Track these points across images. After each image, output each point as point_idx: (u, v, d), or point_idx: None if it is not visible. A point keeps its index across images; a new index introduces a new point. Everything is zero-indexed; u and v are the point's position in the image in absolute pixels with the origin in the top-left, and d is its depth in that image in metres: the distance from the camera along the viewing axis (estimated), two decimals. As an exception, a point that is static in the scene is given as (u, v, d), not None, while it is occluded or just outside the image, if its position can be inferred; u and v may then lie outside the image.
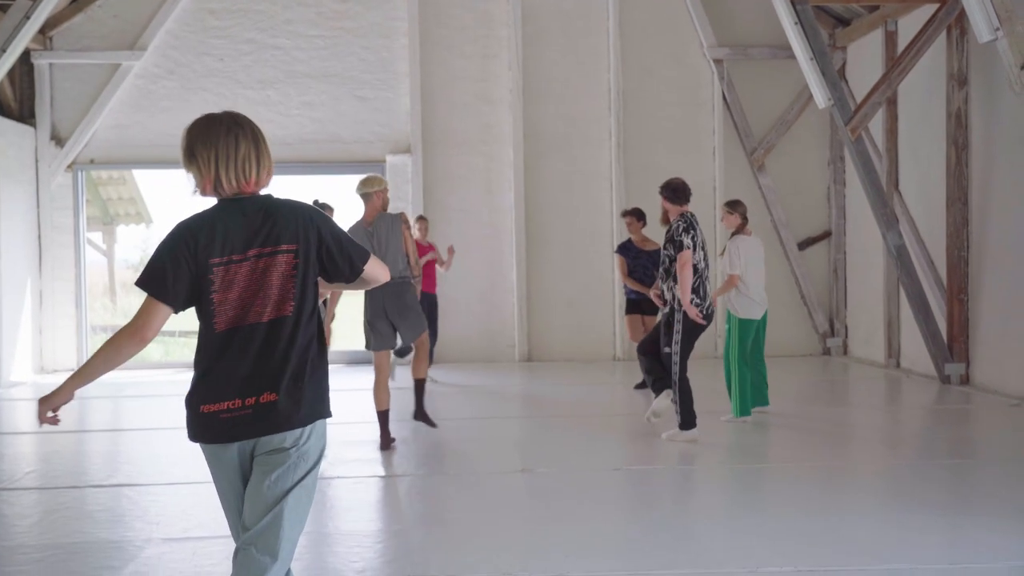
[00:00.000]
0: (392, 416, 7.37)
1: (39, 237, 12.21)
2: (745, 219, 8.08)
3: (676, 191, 7.24)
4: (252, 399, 2.89)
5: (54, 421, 2.95)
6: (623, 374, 11.15)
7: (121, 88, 12.22)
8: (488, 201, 12.62)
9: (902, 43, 10.74)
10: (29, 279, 11.97)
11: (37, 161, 12.16)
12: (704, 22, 12.52)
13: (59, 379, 11.47)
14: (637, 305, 9.52)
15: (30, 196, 12.03)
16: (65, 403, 2.92)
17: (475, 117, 12.60)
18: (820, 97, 10.18)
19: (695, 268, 7.09)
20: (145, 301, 2.92)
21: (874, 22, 11.38)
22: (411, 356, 7.59)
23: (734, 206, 8.10)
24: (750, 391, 8.05)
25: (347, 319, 12.59)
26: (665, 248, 7.27)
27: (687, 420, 7.18)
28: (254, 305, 2.91)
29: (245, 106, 12.27)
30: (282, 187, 11.29)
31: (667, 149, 12.63)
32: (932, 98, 10.25)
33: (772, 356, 8.72)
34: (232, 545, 3.08)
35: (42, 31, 11.82)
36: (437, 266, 10.67)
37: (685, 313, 7.09)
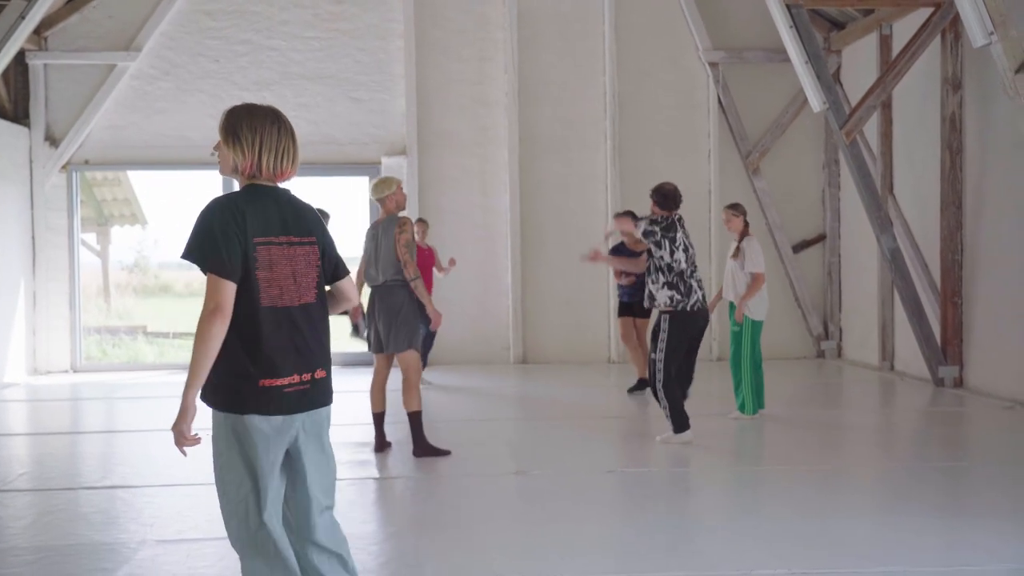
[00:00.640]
0: (388, 418, 7.35)
1: (33, 238, 12.18)
2: (746, 222, 8.18)
3: (666, 197, 7.27)
4: (308, 375, 3.13)
5: (196, 440, 3.07)
6: (618, 376, 11.15)
7: (116, 89, 12.20)
8: (483, 203, 12.62)
9: (897, 47, 10.77)
10: (23, 280, 11.95)
11: (31, 162, 12.13)
12: (699, 25, 12.54)
13: (52, 380, 11.48)
14: (629, 308, 9.55)
15: (24, 197, 12.01)
16: (193, 417, 3.03)
17: (471, 119, 12.61)
18: (815, 101, 10.20)
19: (674, 268, 7.08)
20: (211, 281, 3.01)
21: (869, 26, 11.41)
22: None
23: (740, 209, 8.18)
24: (763, 388, 8.23)
25: (345, 319, 12.57)
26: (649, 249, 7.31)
27: (679, 423, 7.20)
28: (288, 288, 3.11)
29: (240, 107, 12.26)
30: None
31: (663, 152, 12.64)
32: (926, 102, 10.28)
33: (767, 359, 8.74)
34: (220, 546, 3.11)
35: (37, 31, 11.80)
36: (434, 269, 10.66)
37: (671, 319, 7.10)
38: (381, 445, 7.10)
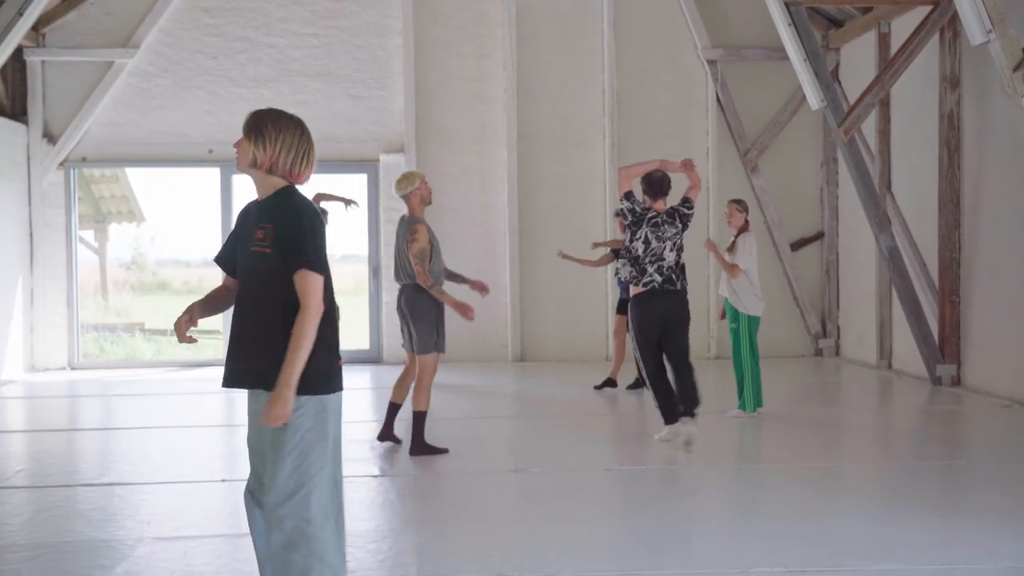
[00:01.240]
0: (397, 415, 7.28)
1: (31, 235, 12.16)
2: (747, 219, 8.23)
3: (651, 184, 7.22)
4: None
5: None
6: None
7: (114, 86, 12.18)
8: (482, 201, 12.61)
9: (895, 45, 10.76)
10: (20, 277, 11.93)
11: (29, 159, 12.11)
12: (698, 23, 12.54)
13: (49, 377, 11.47)
14: (627, 305, 9.57)
15: (22, 194, 11.99)
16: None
17: (469, 117, 12.60)
18: (813, 98, 10.20)
19: (631, 252, 7.06)
20: (316, 280, 3.28)
21: (867, 24, 11.40)
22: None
23: (743, 205, 8.23)
24: (760, 386, 8.24)
25: (348, 319, 12.57)
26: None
27: (663, 416, 7.06)
28: None
29: (239, 104, 12.25)
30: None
31: (661, 150, 12.55)
32: (925, 100, 10.28)
33: (764, 357, 8.76)
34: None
35: (35, 28, 11.77)
36: None
37: (630, 306, 7.10)
38: (385, 435, 7.12)
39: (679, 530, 5.13)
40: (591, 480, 6.27)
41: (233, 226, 3.58)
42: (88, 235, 21.05)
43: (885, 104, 11.06)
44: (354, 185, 12.75)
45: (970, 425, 8.21)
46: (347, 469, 6.42)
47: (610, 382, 9.84)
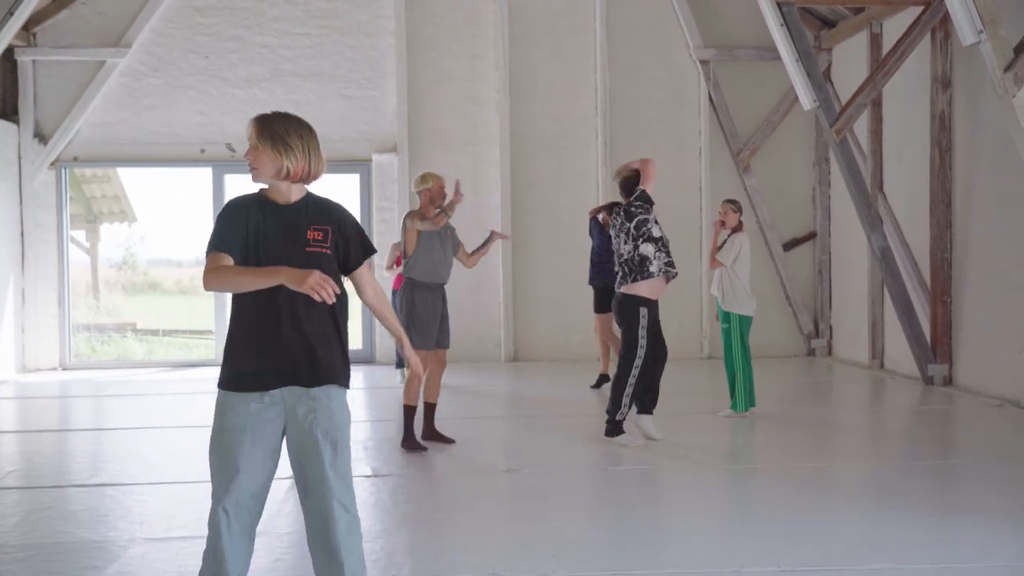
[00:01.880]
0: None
1: (22, 235, 12.12)
2: (741, 220, 8.27)
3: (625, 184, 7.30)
4: None
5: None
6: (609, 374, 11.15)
7: (106, 85, 12.14)
8: (474, 201, 12.57)
9: (887, 45, 10.79)
10: (12, 277, 11.89)
11: (20, 158, 12.07)
12: (690, 23, 12.55)
13: (41, 378, 11.43)
14: (606, 302, 9.66)
15: (13, 193, 11.95)
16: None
17: (462, 117, 12.59)
18: (805, 98, 10.22)
19: (656, 240, 7.16)
20: (370, 265, 3.59)
21: (859, 24, 11.43)
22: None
23: (738, 205, 8.29)
24: (752, 385, 8.26)
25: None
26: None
27: (647, 405, 7.37)
28: None
29: (231, 104, 12.23)
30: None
31: (653, 149, 12.60)
32: (916, 100, 10.30)
33: (757, 357, 8.76)
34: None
35: (25, 27, 11.73)
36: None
37: (644, 295, 7.20)
38: (428, 435, 7.24)
39: (672, 530, 5.14)
40: (584, 480, 6.27)
41: (227, 219, 3.40)
42: (79, 235, 20.96)
43: (877, 104, 11.09)
44: (347, 185, 12.73)
45: (962, 425, 8.23)
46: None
47: (604, 378, 9.85)
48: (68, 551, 4.82)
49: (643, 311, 7.01)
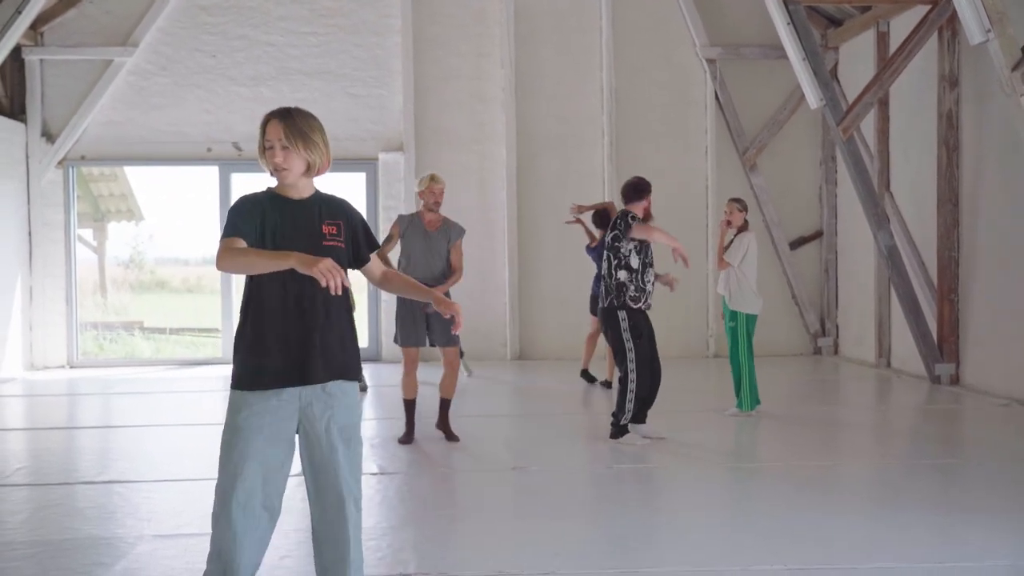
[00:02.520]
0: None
1: (30, 234, 12.17)
2: (747, 219, 8.27)
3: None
4: None
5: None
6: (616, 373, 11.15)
7: (113, 84, 12.18)
8: (481, 199, 12.62)
9: (894, 44, 10.77)
10: (19, 275, 11.93)
11: (28, 157, 12.11)
12: (696, 21, 12.55)
13: (49, 376, 11.47)
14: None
15: (21, 192, 11.99)
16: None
17: (468, 115, 12.60)
18: (812, 97, 10.21)
19: (632, 267, 7.20)
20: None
21: (866, 23, 11.41)
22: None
23: (744, 204, 8.28)
24: (756, 384, 8.27)
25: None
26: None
27: (640, 415, 7.35)
28: None
29: (238, 103, 12.26)
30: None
31: (659, 148, 12.65)
32: (923, 99, 10.29)
33: (763, 356, 8.77)
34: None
35: (33, 27, 11.76)
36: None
37: (632, 312, 7.22)
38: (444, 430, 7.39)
39: (678, 528, 5.14)
40: (590, 478, 6.28)
41: (242, 210, 3.37)
42: (87, 234, 21.04)
43: (884, 103, 11.07)
44: (353, 183, 12.76)
45: (968, 424, 8.22)
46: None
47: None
48: (76, 548, 4.84)
49: (622, 314, 7.12)
